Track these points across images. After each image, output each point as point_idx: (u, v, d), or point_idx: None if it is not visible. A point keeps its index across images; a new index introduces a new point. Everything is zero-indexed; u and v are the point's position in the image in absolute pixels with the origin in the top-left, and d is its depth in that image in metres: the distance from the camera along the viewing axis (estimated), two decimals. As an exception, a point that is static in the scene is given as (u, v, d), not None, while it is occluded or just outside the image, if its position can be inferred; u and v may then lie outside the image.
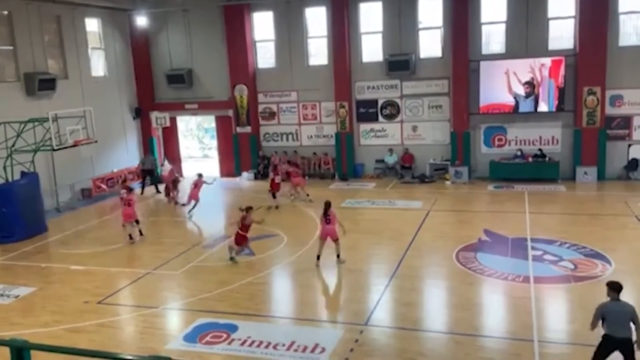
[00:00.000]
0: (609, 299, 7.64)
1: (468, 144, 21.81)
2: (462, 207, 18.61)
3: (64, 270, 13.75)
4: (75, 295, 12.01)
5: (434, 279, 12.39)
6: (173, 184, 20.28)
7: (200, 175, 18.97)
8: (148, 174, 23.04)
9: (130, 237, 15.88)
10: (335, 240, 12.97)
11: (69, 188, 21.01)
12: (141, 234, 16.17)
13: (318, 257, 12.98)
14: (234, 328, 10.00)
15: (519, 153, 21.29)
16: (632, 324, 7.37)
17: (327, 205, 13.11)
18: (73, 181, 21.09)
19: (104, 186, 22.25)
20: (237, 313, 10.66)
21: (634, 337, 7.39)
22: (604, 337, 7.59)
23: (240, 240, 13.41)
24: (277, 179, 19.17)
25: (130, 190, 16.54)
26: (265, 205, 18.38)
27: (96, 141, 19.50)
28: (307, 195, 19.28)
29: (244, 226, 13.34)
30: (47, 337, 9.94)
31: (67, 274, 13.47)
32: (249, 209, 13.60)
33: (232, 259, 13.45)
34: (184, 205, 18.87)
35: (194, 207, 18.36)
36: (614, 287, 7.63)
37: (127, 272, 13.37)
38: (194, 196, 18.46)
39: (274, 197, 18.94)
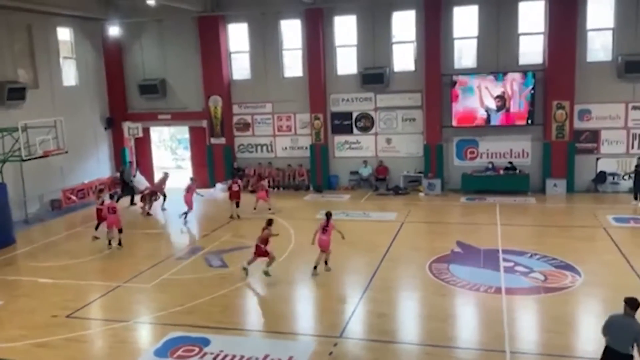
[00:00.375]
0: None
1: (441, 156, 22.07)
2: (436, 219, 18.78)
3: (31, 283, 13.42)
4: (43, 308, 11.73)
5: (408, 291, 12.44)
6: (150, 195, 20.11)
7: (192, 180, 18.88)
8: (125, 184, 22.65)
9: (110, 243, 15.78)
10: (326, 251, 13.25)
11: (38, 199, 20.60)
12: (120, 244, 15.93)
13: (315, 267, 13.17)
14: (206, 342, 9.88)
15: (490, 166, 21.61)
16: (635, 345, 7.21)
17: (328, 215, 13.37)
18: (42, 192, 20.70)
19: (74, 197, 21.87)
20: (209, 326, 10.53)
21: (636, 356, 7.29)
22: (606, 348, 7.54)
23: (261, 252, 13.05)
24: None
25: (112, 197, 16.39)
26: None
27: (67, 151, 19.21)
28: (269, 209, 19.32)
29: (264, 239, 13.10)
30: (12, 352, 9.68)
31: (35, 287, 13.15)
32: (270, 221, 13.45)
33: (266, 273, 12.89)
34: (149, 214, 19.36)
35: (186, 213, 18.61)
36: (630, 304, 7.45)
37: (97, 285, 13.13)
38: (187, 202, 18.81)
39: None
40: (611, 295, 11.41)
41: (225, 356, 9.35)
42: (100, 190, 18.67)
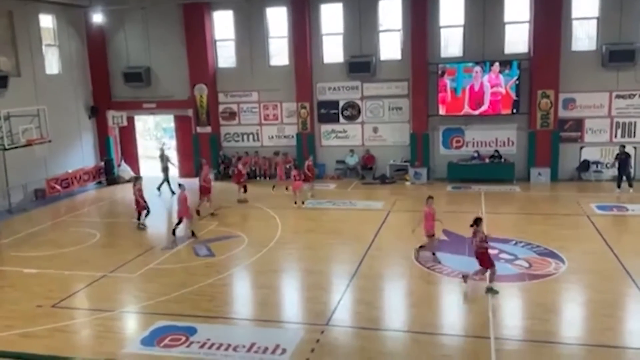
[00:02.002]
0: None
1: (427, 145, 22.15)
2: (422, 208, 18.80)
3: (16, 274, 13.29)
4: (28, 299, 11.64)
5: (394, 279, 12.52)
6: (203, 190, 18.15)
7: (181, 187, 16.41)
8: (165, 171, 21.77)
9: (193, 234, 15.54)
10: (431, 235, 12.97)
11: (22, 189, 20.38)
12: (193, 234, 15.54)
13: (434, 254, 12.98)
14: (193, 330, 9.87)
15: (475, 154, 21.74)
16: None
17: (429, 200, 13.17)
18: (26, 181, 20.46)
19: (58, 187, 21.65)
20: (196, 315, 10.52)
21: None
22: None
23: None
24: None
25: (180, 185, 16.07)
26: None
27: (50, 140, 19.01)
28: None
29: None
30: (-3, 343, 9.59)
31: (19, 278, 13.03)
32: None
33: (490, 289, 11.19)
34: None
35: (178, 223, 16.09)
36: None
37: (82, 275, 13.03)
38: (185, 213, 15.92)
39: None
40: (594, 282, 11.61)
41: (212, 345, 9.35)
42: (137, 178, 18.18)
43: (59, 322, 10.51)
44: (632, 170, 19.43)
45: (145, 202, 17.00)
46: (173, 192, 20.58)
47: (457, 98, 21.37)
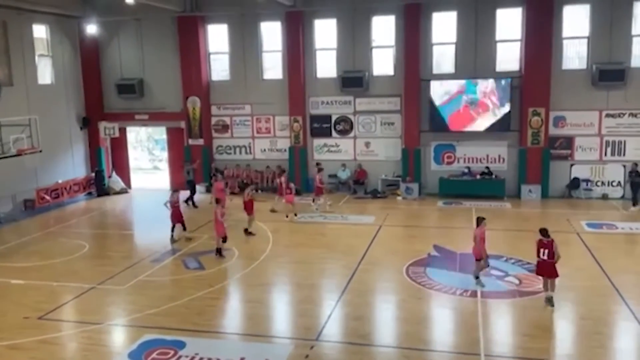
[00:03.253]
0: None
1: (419, 160, 22.24)
2: (413, 223, 18.90)
3: (3, 285, 13.14)
4: (15, 310, 11.50)
5: (385, 294, 12.48)
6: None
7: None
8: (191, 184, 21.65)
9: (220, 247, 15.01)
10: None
11: (11, 199, 20.23)
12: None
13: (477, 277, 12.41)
14: (181, 345, 9.78)
15: (466, 170, 21.85)
16: None
17: (479, 221, 12.44)
18: (15, 191, 20.31)
19: (48, 197, 21.50)
20: (185, 329, 10.43)
21: None
22: None
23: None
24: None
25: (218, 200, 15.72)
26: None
27: (41, 151, 18.87)
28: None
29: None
30: (-18, 355, 9.46)
31: (6, 288, 12.88)
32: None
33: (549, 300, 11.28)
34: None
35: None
36: None
37: (70, 286, 12.90)
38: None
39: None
40: (584, 299, 11.64)
41: (201, 359, 9.26)
42: (176, 190, 17.89)
43: (46, 334, 10.39)
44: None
45: (182, 215, 16.67)
46: (195, 206, 20.79)
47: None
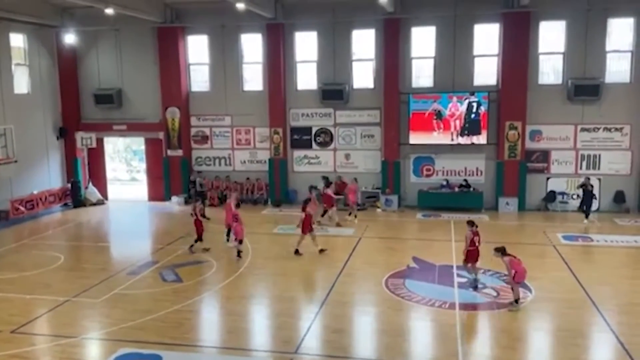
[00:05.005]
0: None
1: (398, 173, 22.37)
2: (392, 235, 18.94)
3: (-26, 298, 12.83)
4: (-14, 324, 11.22)
5: (364, 306, 12.46)
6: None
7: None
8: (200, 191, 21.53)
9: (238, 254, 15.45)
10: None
11: (-16, 210, 19.82)
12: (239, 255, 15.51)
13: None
14: (158, 358, 9.62)
15: (444, 183, 22.03)
16: None
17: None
18: (-12, 202, 19.92)
19: (22, 208, 21.11)
20: (162, 343, 10.27)
21: None
22: None
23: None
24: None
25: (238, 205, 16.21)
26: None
27: (16, 161, 18.59)
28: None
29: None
30: (-49, 370, 9.20)
31: (-23, 302, 12.57)
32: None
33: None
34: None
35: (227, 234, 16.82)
36: None
37: (44, 299, 12.64)
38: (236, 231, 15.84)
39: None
40: (561, 311, 11.76)
41: (178, 373, 9.13)
42: (197, 200, 17.61)
43: (19, 348, 10.14)
44: (594, 202, 19.86)
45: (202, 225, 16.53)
46: (208, 218, 20.06)
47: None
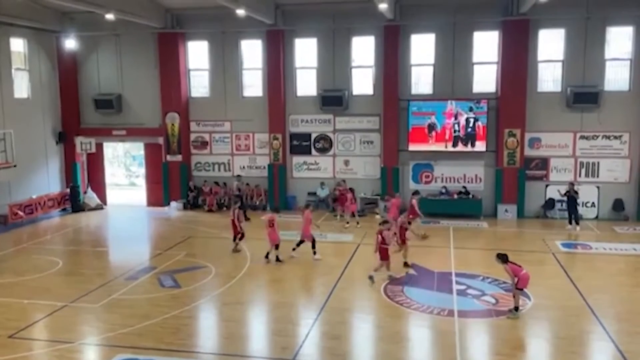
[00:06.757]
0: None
1: (397, 179, 22.37)
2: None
3: (-29, 302, 12.80)
4: (-17, 329, 11.19)
5: (363, 313, 12.43)
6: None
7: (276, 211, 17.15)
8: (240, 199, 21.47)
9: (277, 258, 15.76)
10: None
11: (-18, 214, 19.80)
12: (278, 259, 15.83)
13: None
14: (156, 364, 9.60)
15: (443, 190, 22.03)
16: None
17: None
18: (-13, 207, 19.91)
19: (21, 213, 21.09)
20: (159, 349, 10.24)
21: None
22: None
23: (385, 254, 13.74)
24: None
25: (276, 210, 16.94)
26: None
27: (15, 165, 18.59)
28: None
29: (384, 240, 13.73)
30: (-52, 375, 9.17)
31: (-26, 306, 12.55)
32: (385, 222, 14.31)
33: (370, 277, 13.61)
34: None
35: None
36: None
37: (42, 304, 12.61)
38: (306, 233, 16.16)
39: None
40: (560, 318, 11.74)
41: (176, 379, 9.10)
42: (235, 202, 17.80)
43: (16, 353, 10.11)
44: (578, 209, 19.84)
45: (241, 227, 16.93)
46: (248, 219, 20.60)
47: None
